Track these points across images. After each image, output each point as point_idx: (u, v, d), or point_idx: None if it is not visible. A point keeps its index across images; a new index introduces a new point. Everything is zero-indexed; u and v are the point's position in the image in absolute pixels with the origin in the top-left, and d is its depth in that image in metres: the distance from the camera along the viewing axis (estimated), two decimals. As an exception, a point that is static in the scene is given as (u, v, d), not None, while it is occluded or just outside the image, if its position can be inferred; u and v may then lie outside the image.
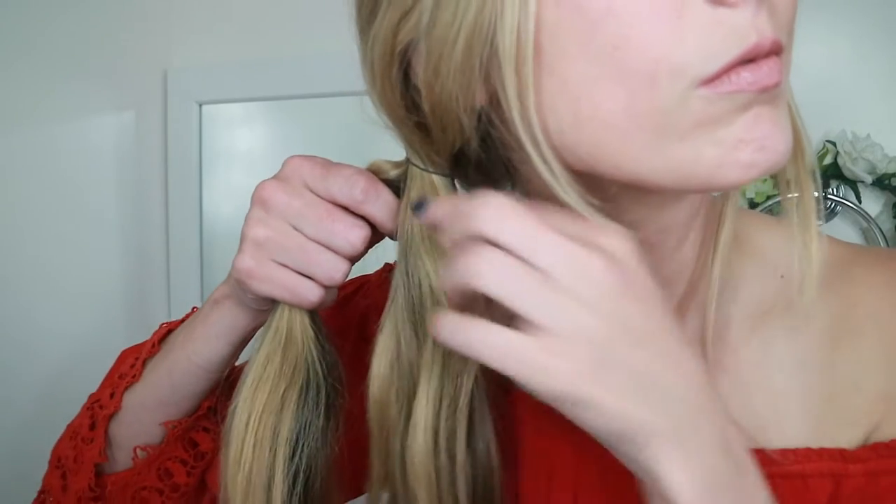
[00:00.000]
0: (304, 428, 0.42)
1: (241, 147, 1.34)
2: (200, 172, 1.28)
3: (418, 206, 0.37)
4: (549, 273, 0.29)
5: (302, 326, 0.43)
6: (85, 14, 1.10)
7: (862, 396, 0.38)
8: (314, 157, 0.43)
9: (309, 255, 0.41)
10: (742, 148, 0.30)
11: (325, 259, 0.41)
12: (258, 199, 0.42)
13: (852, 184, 1.00)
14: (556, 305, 0.29)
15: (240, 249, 0.42)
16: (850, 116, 0.99)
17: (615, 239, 0.31)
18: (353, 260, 0.43)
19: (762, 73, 0.29)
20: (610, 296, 0.29)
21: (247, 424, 0.41)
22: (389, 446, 0.41)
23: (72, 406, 0.59)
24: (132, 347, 0.56)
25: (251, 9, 1.25)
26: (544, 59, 0.30)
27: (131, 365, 0.53)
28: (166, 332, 0.54)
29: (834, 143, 0.99)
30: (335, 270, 0.42)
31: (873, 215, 0.99)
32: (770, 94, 0.30)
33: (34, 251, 1.02)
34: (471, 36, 0.31)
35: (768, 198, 1.00)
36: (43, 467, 0.57)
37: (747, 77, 0.29)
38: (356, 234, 0.41)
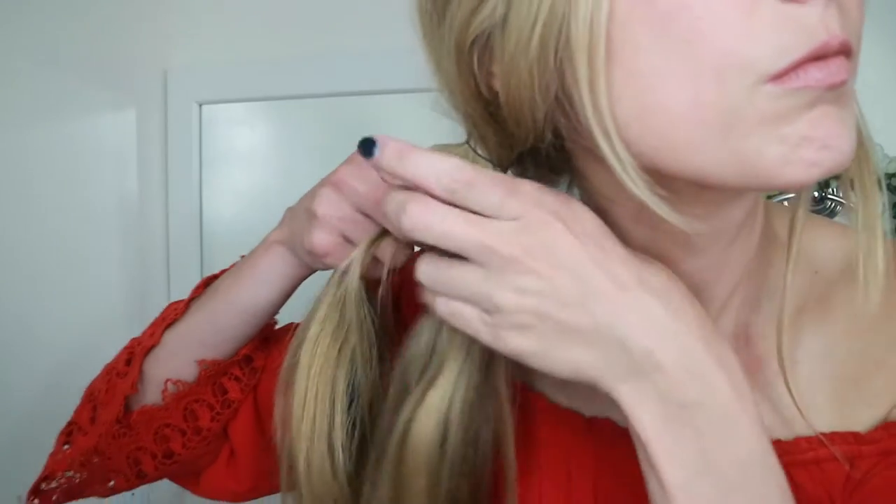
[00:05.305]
0: (359, 382, 0.44)
1: (241, 147, 1.35)
2: (200, 172, 1.28)
3: (366, 144, 0.37)
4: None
5: (358, 288, 0.44)
6: (85, 14, 1.11)
7: (884, 374, 0.39)
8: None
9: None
10: (806, 146, 0.29)
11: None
12: (331, 182, 0.45)
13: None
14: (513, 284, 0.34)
15: (312, 226, 0.45)
16: (850, 116, 0.99)
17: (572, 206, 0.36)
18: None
19: (830, 70, 0.29)
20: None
21: (307, 377, 0.43)
22: (386, 427, 0.42)
23: (71, 404, 0.59)
24: (179, 301, 0.57)
25: (251, 9, 1.25)
26: (614, 49, 0.31)
27: (175, 310, 0.55)
28: (206, 283, 0.56)
29: (834, 144, 0.99)
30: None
31: (873, 215, 0.99)
32: (836, 92, 0.30)
33: (34, 251, 1.02)
34: (546, 27, 0.31)
35: (780, 192, 1.00)
36: (44, 459, 0.58)
37: (815, 73, 0.29)
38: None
